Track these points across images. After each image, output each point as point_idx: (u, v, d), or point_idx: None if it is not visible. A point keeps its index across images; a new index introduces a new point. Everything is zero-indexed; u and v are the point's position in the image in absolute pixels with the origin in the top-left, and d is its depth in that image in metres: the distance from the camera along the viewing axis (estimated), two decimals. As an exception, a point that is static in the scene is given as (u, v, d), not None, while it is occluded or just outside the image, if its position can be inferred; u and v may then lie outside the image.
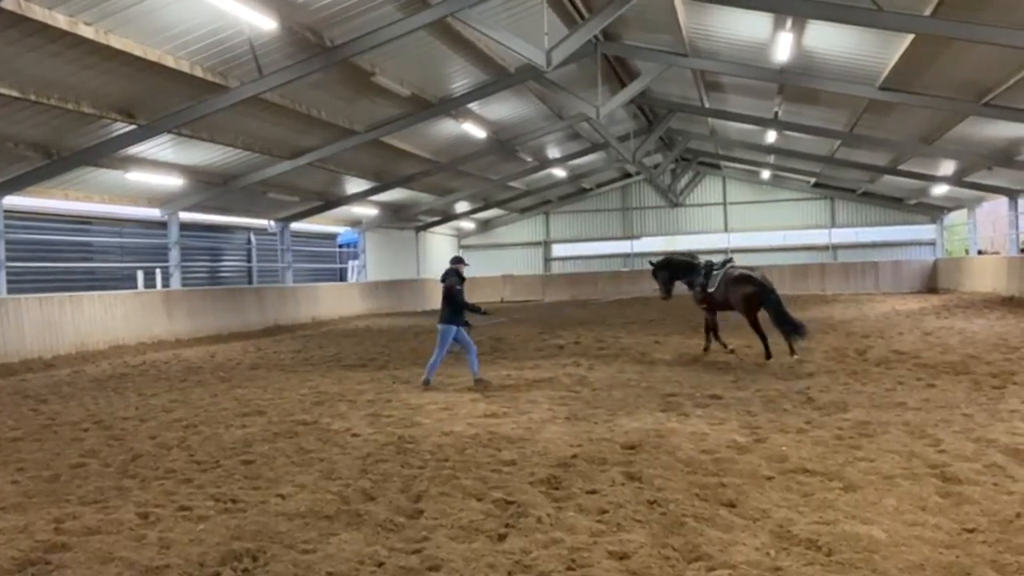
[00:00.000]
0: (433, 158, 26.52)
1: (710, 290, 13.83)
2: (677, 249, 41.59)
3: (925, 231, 38.40)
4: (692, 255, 15.08)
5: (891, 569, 4.30)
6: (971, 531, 4.87)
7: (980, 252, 34.38)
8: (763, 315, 13.33)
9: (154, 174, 19.82)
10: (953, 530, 4.90)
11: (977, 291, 29.77)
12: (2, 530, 5.43)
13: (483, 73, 19.93)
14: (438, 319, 11.67)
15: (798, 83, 19.27)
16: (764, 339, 13.24)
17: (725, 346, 14.16)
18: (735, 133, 30.52)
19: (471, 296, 13.38)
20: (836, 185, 37.77)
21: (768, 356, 13.03)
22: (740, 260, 41.68)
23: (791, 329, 13.02)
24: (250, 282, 28.64)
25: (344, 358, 16.11)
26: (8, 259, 18.06)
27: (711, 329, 14.31)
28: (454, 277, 11.60)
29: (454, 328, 11.45)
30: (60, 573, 4.65)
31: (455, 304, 11.48)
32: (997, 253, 33.17)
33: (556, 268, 43.37)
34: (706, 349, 14.35)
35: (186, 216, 24.06)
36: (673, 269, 14.64)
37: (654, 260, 15.14)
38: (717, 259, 14.56)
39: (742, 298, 13.43)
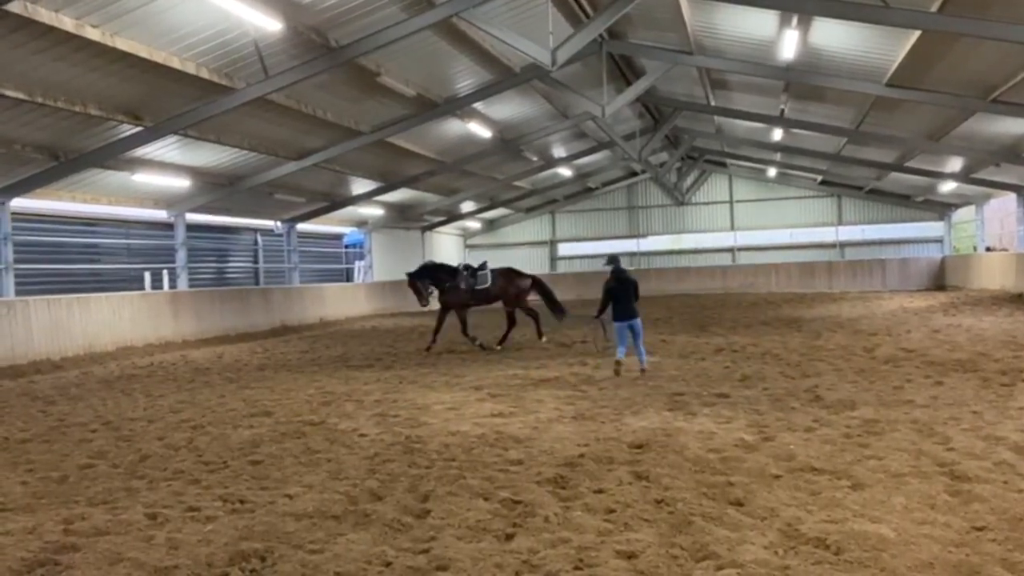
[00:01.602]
0: (438, 158, 26.54)
1: (481, 287, 16.03)
2: (683, 248, 41.75)
3: (933, 228, 38.25)
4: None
5: (900, 568, 4.28)
6: (981, 529, 4.85)
7: (988, 249, 34.23)
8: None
9: (161, 175, 19.88)
10: (963, 528, 4.88)
11: (985, 288, 29.65)
12: (12, 531, 5.45)
13: (488, 73, 19.93)
14: (625, 315, 12.04)
15: (804, 80, 19.21)
16: (536, 319, 16.52)
17: (474, 340, 16.22)
18: (741, 131, 30.45)
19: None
20: (843, 182, 37.65)
21: (541, 335, 16.33)
22: (747, 258, 42.01)
23: (559, 312, 16.11)
24: (257, 283, 28.70)
25: (351, 358, 16.12)
26: (16, 261, 18.14)
27: (452, 326, 16.47)
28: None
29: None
30: (69, 574, 4.66)
31: (634, 298, 12.22)
32: (1005, 250, 33.01)
33: (562, 267, 43.35)
34: (432, 344, 16.24)
35: (193, 217, 24.11)
36: (432, 275, 16.65)
37: (410, 271, 16.90)
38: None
39: (522, 289, 16.31)
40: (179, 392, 12.18)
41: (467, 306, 16.45)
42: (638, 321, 12.09)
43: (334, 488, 6.23)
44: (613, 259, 12.70)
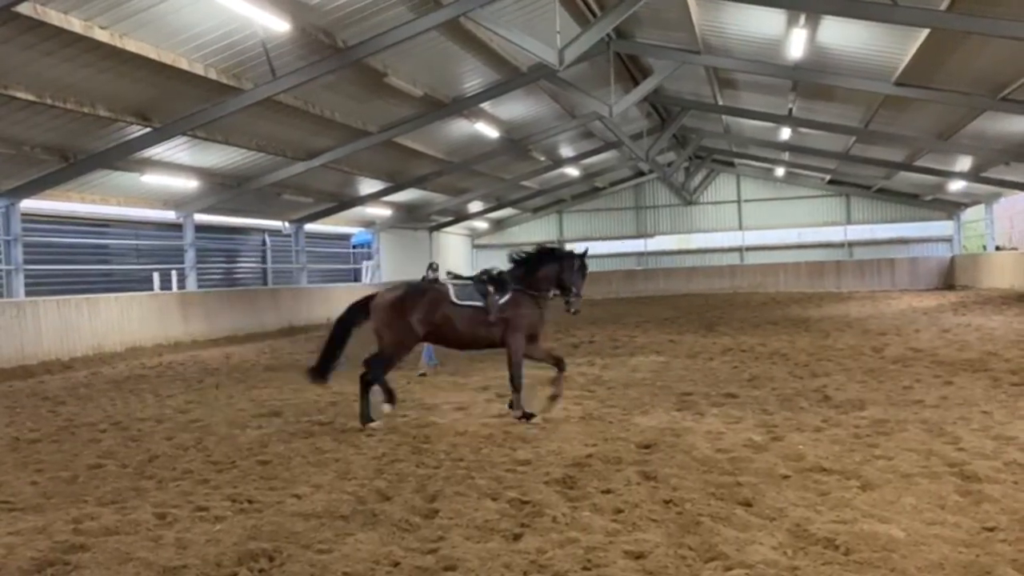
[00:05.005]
0: (446, 158, 26.55)
1: None
2: (690, 248, 41.67)
3: (942, 227, 38.05)
4: None
5: (910, 568, 4.25)
6: (991, 530, 4.82)
7: (998, 248, 34.08)
8: None
9: (169, 176, 19.94)
10: (973, 529, 4.85)
11: (995, 287, 29.52)
12: (21, 531, 5.47)
13: (495, 73, 19.92)
14: None
15: (812, 79, 19.15)
16: None
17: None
18: (749, 130, 30.38)
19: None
20: (851, 182, 37.51)
21: None
22: (755, 258, 41.92)
23: None
24: (265, 283, 28.73)
25: (359, 358, 16.09)
26: (26, 262, 18.22)
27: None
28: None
29: None
30: (78, 573, 4.68)
31: None
32: (1015, 249, 32.85)
33: (570, 267, 43.25)
34: None
35: (201, 218, 24.17)
36: None
37: None
38: None
39: None
40: (188, 392, 12.20)
41: None
42: None
43: (342, 488, 6.24)
44: (435, 267, 13.92)
